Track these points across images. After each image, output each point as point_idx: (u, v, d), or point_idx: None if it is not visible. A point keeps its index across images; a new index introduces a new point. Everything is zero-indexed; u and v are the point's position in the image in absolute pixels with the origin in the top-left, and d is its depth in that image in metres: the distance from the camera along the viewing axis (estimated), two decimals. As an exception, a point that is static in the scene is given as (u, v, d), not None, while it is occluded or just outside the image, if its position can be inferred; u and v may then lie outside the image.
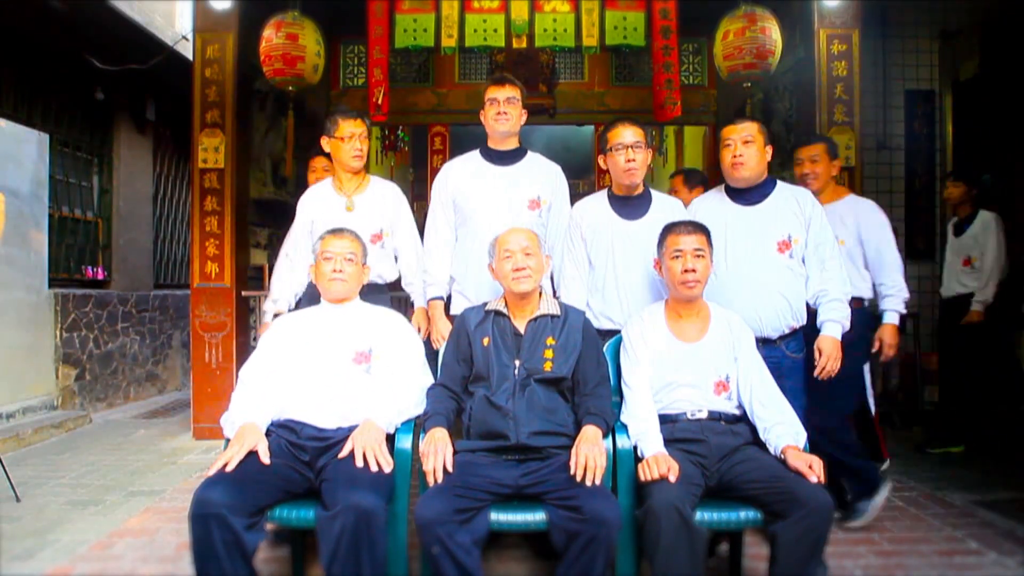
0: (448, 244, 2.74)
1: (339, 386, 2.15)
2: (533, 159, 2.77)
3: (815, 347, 2.41)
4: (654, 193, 2.63)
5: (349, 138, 2.71)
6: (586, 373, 2.17)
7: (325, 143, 2.77)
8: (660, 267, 2.29)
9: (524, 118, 2.74)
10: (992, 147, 4.80)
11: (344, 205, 2.74)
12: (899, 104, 5.09)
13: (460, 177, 2.73)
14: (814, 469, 1.90)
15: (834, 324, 2.40)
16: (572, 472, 1.91)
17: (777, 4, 4.12)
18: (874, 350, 2.88)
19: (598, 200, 2.63)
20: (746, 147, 2.43)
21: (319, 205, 2.77)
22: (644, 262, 2.48)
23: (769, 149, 2.47)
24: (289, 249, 2.99)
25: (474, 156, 2.78)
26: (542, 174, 2.74)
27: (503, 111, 2.65)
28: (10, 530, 2.82)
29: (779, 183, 2.51)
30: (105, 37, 4.97)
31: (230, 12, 4.28)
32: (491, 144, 2.74)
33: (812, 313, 2.48)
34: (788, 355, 2.42)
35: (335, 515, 1.81)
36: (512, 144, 2.74)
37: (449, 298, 2.75)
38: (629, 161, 2.49)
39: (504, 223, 2.40)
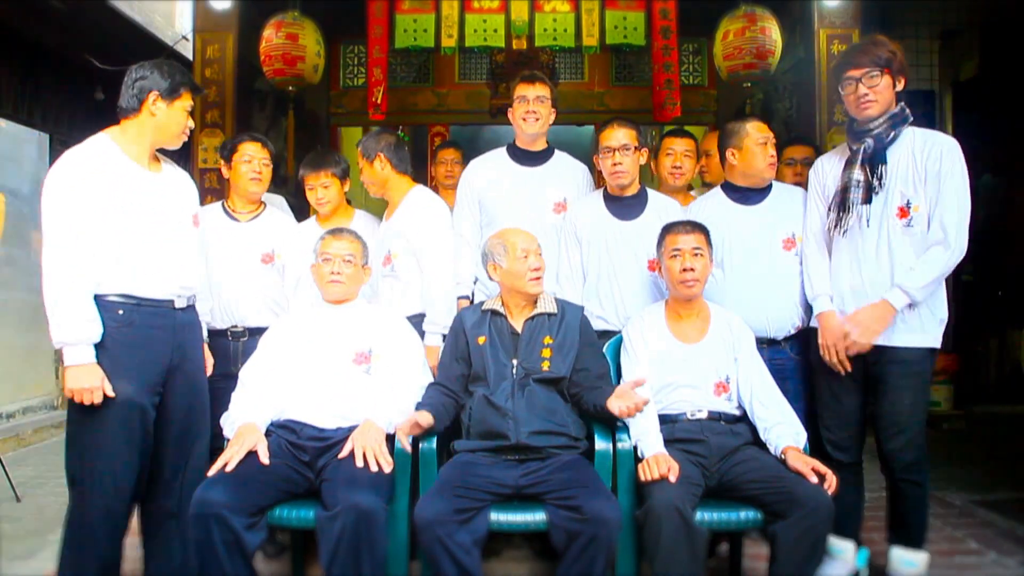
0: (472, 243, 2.67)
1: (339, 386, 2.15)
2: (560, 159, 2.73)
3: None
4: (651, 193, 2.60)
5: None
6: (587, 364, 2.17)
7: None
8: (659, 267, 2.28)
9: (553, 117, 2.68)
10: (992, 147, 4.80)
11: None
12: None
13: (485, 176, 2.68)
14: (815, 470, 1.90)
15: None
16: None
17: (777, 4, 4.11)
18: None
19: (593, 200, 2.60)
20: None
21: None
22: (639, 263, 2.46)
23: None
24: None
25: (500, 154, 2.73)
26: (568, 174, 2.71)
27: (532, 110, 2.60)
28: (10, 530, 2.82)
29: (774, 183, 2.50)
30: (105, 37, 4.95)
31: (230, 12, 4.27)
32: (519, 143, 2.70)
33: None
34: (792, 357, 2.40)
35: (335, 515, 1.81)
36: (540, 144, 2.69)
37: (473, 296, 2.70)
38: (616, 165, 2.46)
39: (527, 225, 2.35)
